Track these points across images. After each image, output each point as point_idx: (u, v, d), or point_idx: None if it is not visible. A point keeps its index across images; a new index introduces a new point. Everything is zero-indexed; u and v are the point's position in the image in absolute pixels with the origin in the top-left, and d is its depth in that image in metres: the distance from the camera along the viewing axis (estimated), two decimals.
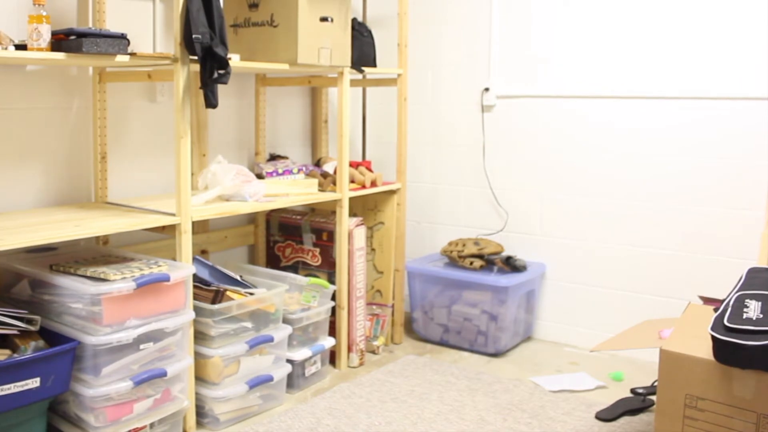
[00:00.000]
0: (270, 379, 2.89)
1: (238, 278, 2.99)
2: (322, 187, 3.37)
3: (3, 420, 2.18)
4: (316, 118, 4.05)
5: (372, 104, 4.26)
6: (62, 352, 2.26)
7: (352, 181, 3.49)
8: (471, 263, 3.65)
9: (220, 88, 2.63)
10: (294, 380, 3.10)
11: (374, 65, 3.64)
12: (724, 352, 1.98)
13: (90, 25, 2.85)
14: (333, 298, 3.31)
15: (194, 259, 2.80)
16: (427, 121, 4.10)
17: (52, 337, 2.36)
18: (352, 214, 3.62)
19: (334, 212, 3.38)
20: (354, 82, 3.65)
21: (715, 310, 2.18)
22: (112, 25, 2.89)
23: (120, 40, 2.39)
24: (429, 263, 3.81)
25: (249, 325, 2.85)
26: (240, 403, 2.81)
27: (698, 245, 3.34)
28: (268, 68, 2.98)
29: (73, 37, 2.33)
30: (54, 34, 2.36)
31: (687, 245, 3.37)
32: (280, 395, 2.99)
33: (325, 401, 3.00)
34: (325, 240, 3.44)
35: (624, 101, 3.48)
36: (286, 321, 3.03)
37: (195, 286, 2.69)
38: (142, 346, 2.43)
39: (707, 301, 2.65)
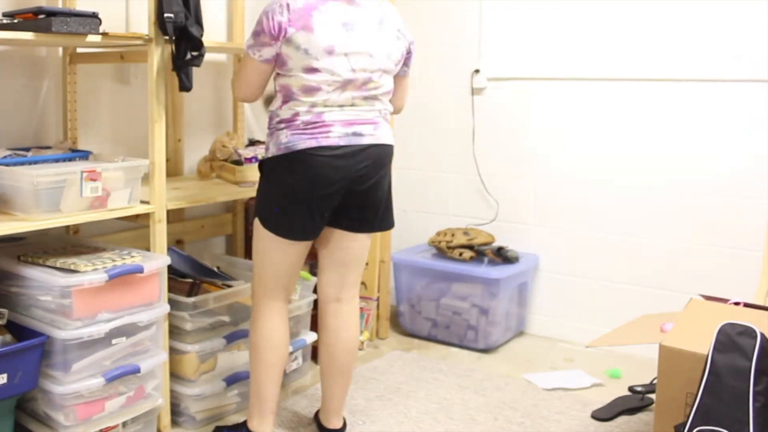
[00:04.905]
0: (248, 376, 2.82)
1: (215, 269, 2.98)
2: None
3: None
4: None
5: None
6: (30, 347, 2.24)
7: None
8: (460, 254, 3.62)
9: (196, 68, 2.59)
10: None
11: None
12: None
13: (60, 4, 2.81)
14: (315, 290, 3.23)
15: (169, 250, 2.77)
16: (414, 104, 3.99)
17: (19, 332, 2.33)
18: None
19: None
20: None
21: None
22: (83, 4, 2.82)
23: (91, 20, 2.36)
24: (416, 254, 3.79)
25: (227, 318, 2.84)
26: (217, 401, 2.80)
27: (700, 235, 3.30)
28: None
29: (42, 16, 2.28)
30: (22, 12, 2.32)
31: (688, 235, 3.33)
32: None
33: (306, 399, 2.98)
34: None
35: (624, 83, 3.42)
36: None
37: (170, 278, 2.68)
38: (114, 341, 2.41)
39: (709, 299, 2.63)
